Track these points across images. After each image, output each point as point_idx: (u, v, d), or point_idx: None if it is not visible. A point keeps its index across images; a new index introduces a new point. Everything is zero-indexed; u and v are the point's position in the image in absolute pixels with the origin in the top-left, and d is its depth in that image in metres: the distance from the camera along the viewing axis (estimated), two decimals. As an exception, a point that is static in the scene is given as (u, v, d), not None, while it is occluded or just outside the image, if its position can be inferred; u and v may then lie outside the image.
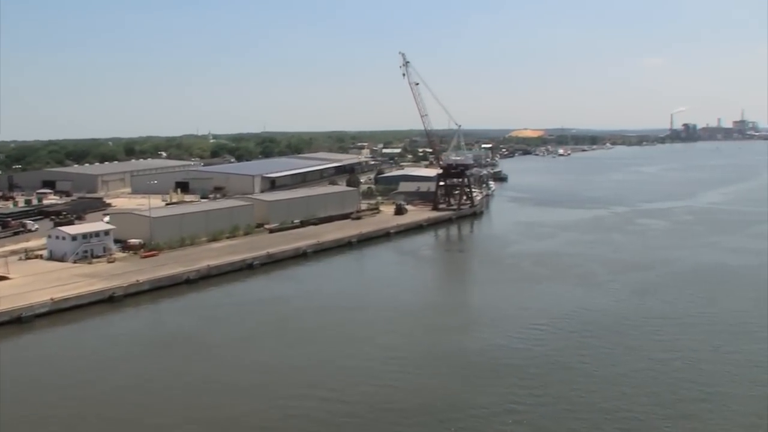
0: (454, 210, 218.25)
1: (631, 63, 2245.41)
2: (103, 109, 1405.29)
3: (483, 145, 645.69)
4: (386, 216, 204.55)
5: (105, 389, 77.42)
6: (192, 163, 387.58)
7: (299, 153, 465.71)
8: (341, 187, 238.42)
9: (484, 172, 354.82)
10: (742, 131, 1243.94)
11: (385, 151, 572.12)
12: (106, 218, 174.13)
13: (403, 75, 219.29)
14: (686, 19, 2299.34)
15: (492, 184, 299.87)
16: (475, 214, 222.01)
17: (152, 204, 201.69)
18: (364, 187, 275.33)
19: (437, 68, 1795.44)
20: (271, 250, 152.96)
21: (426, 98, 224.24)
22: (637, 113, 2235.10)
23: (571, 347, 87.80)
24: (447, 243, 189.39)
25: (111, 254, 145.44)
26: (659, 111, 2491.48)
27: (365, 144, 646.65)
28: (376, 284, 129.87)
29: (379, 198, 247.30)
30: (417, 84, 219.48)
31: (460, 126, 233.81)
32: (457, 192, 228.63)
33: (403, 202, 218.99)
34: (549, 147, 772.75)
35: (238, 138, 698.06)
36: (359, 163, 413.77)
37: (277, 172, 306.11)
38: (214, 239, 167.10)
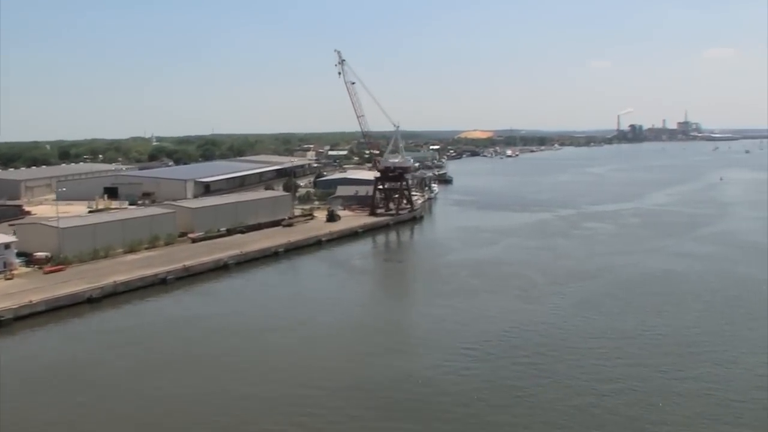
0: (392, 215, 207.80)
1: (579, 65, 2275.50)
2: (50, 111, 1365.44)
3: (431, 147, 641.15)
4: (320, 222, 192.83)
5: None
6: (122, 168, 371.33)
7: (242, 156, 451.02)
8: (273, 192, 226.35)
9: (429, 174, 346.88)
10: (686, 132, 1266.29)
11: (331, 153, 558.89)
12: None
13: (339, 74, 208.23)
14: (632, 22, 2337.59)
15: (435, 186, 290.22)
16: (415, 219, 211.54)
17: (77, 211, 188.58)
18: (303, 191, 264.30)
19: (391, 71, 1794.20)
20: (189, 263, 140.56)
21: (363, 98, 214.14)
22: (586, 114, 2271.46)
23: (502, 378, 77.57)
24: (381, 251, 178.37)
25: (11, 270, 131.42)
26: (607, 112, 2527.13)
27: (311, 146, 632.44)
28: (298, 300, 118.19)
29: (317, 203, 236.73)
30: (353, 83, 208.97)
31: (398, 126, 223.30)
32: (396, 196, 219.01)
33: (337, 208, 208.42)
34: (497, 148, 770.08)
35: (185, 141, 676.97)
36: (301, 166, 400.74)
37: (212, 176, 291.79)
38: (132, 251, 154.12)
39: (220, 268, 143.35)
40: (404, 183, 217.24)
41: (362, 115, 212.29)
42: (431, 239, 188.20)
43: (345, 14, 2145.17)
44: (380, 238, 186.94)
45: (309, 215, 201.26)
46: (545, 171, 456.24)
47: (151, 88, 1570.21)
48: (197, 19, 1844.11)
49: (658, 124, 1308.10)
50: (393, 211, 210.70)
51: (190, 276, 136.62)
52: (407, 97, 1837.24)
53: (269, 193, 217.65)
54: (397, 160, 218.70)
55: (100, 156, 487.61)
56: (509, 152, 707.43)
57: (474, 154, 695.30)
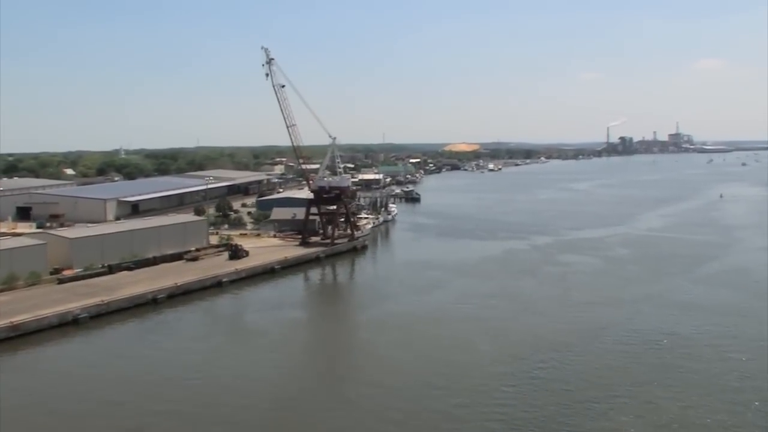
0: (326, 245, 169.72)
1: (568, 77, 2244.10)
2: (37, 123, 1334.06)
3: (411, 160, 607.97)
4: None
5: None
6: (63, 182, 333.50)
7: (202, 170, 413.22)
8: (186, 216, 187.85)
9: (398, 190, 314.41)
10: (677, 144, 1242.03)
11: (303, 166, 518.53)
12: None
13: (267, 75, 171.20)
14: (621, 34, 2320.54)
15: (393, 207, 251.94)
16: (356, 250, 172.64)
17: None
18: (242, 213, 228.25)
19: (379, 83, 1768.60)
20: (21, 318, 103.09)
21: (298, 106, 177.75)
22: (575, 127, 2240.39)
23: None
24: (292, 299, 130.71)
25: None
26: (596, 124, 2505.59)
27: (283, 159, 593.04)
28: (139, 387, 78.94)
29: (249, 227, 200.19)
30: (283, 86, 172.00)
31: (335, 138, 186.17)
32: (341, 221, 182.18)
33: (269, 233, 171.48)
34: (480, 161, 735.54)
35: (159, 154, 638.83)
36: (259, 182, 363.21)
37: (144, 194, 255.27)
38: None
39: (68, 324, 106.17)
40: (342, 206, 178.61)
41: (294, 125, 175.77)
42: (367, 280, 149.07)
43: (331, 24, 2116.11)
44: (303, 278, 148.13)
45: (225, 246, 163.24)
46: (526, 187, 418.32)
47: (136, 100, 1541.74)
48: (185, 30, 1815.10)
49: (649, 136, 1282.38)
50: (329, 241, 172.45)
51: (18, 337, 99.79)
52: (395, 109, 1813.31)
53: (180, 218, 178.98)
54: (332, 179, 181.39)
55: (51, 170, 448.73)
56: (491, 166, 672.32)
57: (454, 167, 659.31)
